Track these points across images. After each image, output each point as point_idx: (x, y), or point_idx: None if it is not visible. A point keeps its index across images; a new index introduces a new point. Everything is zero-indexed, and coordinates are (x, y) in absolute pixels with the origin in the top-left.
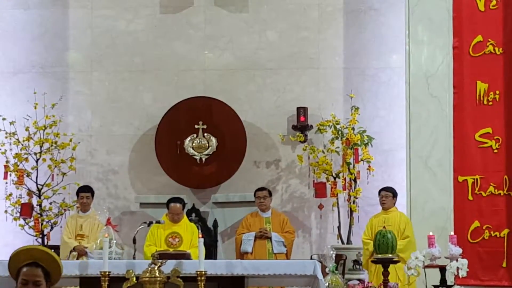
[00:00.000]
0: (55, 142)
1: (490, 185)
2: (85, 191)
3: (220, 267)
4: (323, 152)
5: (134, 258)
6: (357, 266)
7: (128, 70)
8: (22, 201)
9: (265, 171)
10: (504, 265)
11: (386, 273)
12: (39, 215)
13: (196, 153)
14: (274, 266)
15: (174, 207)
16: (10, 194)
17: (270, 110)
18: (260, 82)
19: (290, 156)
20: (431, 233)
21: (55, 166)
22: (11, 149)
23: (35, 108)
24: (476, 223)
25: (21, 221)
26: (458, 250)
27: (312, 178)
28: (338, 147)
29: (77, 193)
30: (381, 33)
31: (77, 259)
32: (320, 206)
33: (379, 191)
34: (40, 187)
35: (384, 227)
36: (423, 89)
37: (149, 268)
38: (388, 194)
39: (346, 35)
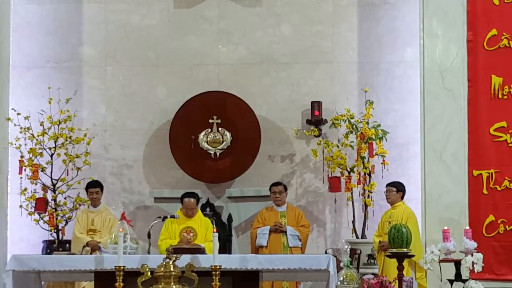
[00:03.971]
0: (70, 137)
1: (505, 179)
2: (94, 186)
3: (234, 261)
4: (337, 146)
5: (148, 252)
6: (372, 261)
7: (142, 65)
8: (37, 196)
9: (280, 166)
10: None
11: (400, 267)
12: (53, 210)
13: (210, 148)
14: (288, 261)
15: (188, 202)
16: (25, 189)
17: (284, 105)
18: (274, 76)
19: (305, 151)
20: (446, 227)
21: (70, 161)
22: (25, 144)
23: (50, 103)
24: (491, 217)
25: (36, 216)
26: (473, 244)
27: (327, 173)
28: (352, 141)
29: (86, 189)
30: (395, 26)
31: (91, 254)
32: (334, 201)
33: (385, 186)
34: (54, 181)
35: (389, 222)
36: (438, 82)
37: (164, 263)
38: (391, 189)
39: (360, 29)
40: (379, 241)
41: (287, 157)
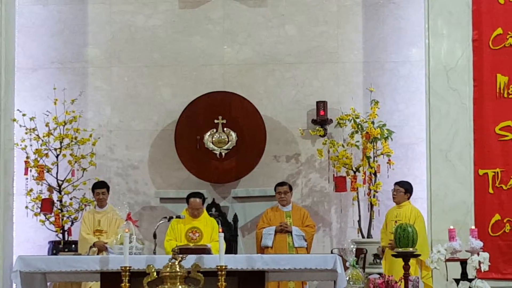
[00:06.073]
0: (75, 138)
1: (511, 178)
2: (100, 186)
3: (240, 261)
4: (343, 146)
5: (154, 253)
6: (378, 260)
7: (147, 66)
8: (43, 197)
9: (285, 166)
10: None
11: (406, 267)
12: (59, 211)
13: (215, 148)
14: (294, 261)
15: (194, 202)
16: (31, 190)
17: (290, 105)
18: (279, 76)
19: (310, 150)
20: (451, 227)
21: (75, 162)
22: (31, 145)
23: (55, 104)
24: (497, 217)
25: (42, 217)
26: (479, 244)
27: (332, 172)
28: (358, 141)
29: (93, 190)
30: (400, 26)
31: (97, 254)
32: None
33: (394, 185)
34: (60, 182)
35: (395, 221)
36: (443, 82)
37: (170, 263)
38: (399, 189)
39: (365, 29)
40: (388, 243)
41: (293, 157)
